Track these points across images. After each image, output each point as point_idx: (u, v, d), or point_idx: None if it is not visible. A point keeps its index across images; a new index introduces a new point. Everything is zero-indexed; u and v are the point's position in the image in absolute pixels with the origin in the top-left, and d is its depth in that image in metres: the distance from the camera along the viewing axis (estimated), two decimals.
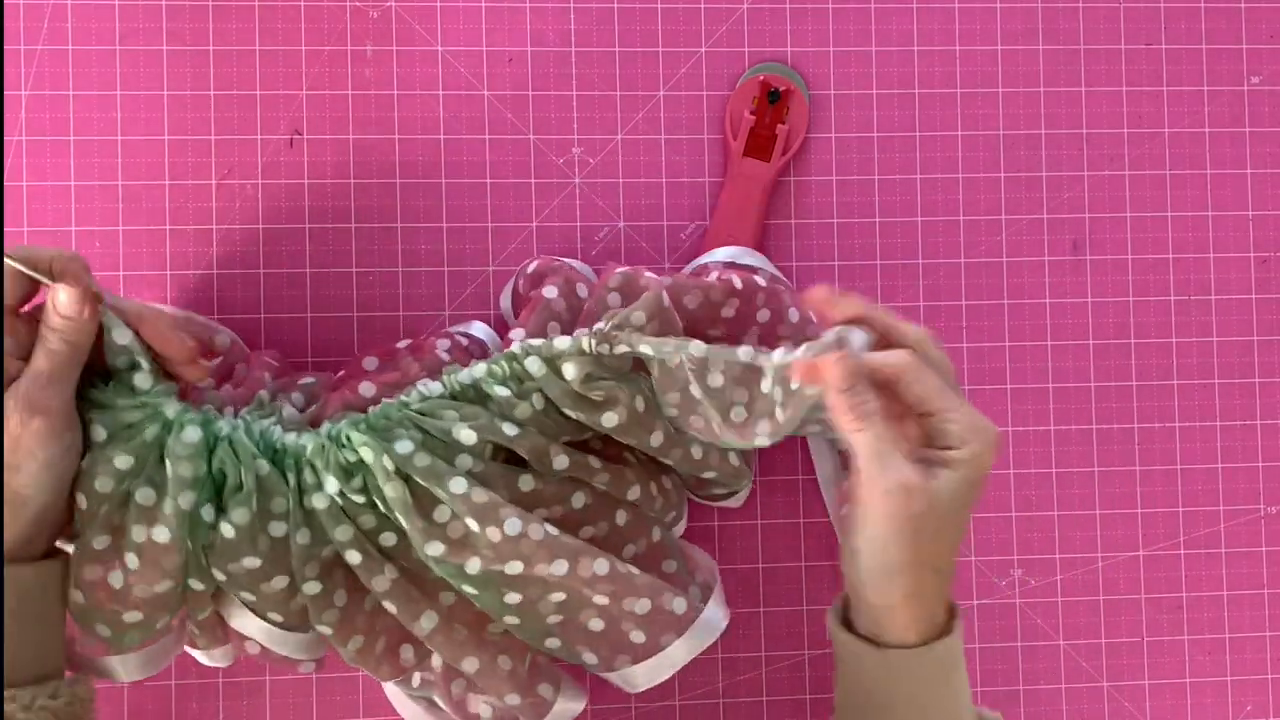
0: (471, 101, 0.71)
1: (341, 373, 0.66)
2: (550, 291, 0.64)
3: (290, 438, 0.60)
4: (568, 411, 0.61)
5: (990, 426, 0.55)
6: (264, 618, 0.61)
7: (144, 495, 0.57)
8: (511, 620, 0.61)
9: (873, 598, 0.56)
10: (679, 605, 0.63)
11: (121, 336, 0.57)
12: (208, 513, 0.58)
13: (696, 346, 0.58)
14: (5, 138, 0.68)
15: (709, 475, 0.65)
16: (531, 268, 0.67)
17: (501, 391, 0.60)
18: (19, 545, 0.55)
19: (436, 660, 0.64)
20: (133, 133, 0.69)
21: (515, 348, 0.61)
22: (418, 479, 0.58)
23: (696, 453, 0.64)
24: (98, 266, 0.68)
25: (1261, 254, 0.74)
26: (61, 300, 0.55)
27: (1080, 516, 0.73)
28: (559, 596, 0.61)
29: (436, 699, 0.66)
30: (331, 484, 0.58)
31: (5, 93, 0.68)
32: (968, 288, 0.73)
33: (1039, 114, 0.73)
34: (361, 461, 0.59)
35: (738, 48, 0.72)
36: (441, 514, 0.59)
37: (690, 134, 0.72)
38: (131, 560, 0.57)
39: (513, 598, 0.60)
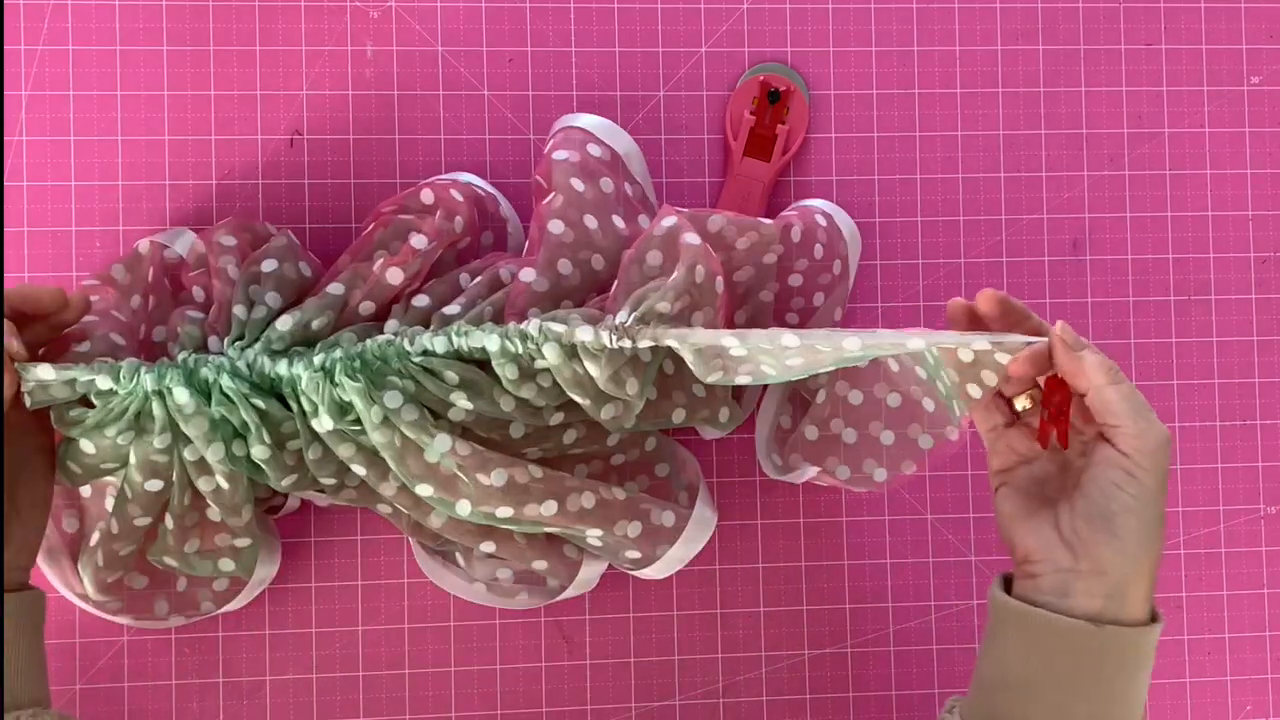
0: (471, 101, 0.71)
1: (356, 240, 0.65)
2: (557, 216, 0.62)
3: (283, 367, 0.59)
4: (575, 397, 0.60)
5: (1153, 418, 0.54)
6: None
7: (190, 451, 0.59)
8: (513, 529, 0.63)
9: (1123, 567, 0.52)
10: (668, 518, 0.65)
11: (45, 373, 0.57)
12: (239, 448, 0.60)
13: (729, 340, 0.56)
14: (5, 138, 0.68)
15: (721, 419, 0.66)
16: (553, 143, 0.66)
17: (510, 373, 0.59)
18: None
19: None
20: (133, 133, 0.69)
21: (532, 328, 0.58)
22: (404, 431, 0.59)
23: (723, 415, 0.66)
24: (98, 266, 0.68)
25: (1261, 254, 0.74)
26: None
27: None
28: (553, 528, 0.63)
29: (459, 557, 0.68)
30: (327, 421, 0.59)
31: (5, 93, 0.68)
32: (968, 288, 0.73)
33: (1039, 114, 0.73)
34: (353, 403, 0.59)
35: (738, 48, 0.72)
36: (431, 454, 0.59)
37: (690, 134, 0.72)
38: (212, 512, 0.61)
39: (507, 524, 0.62)
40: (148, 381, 0.58)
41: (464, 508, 0.60)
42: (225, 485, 0.60)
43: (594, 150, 0.65)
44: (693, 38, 0.72)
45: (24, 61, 0.68)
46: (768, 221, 0.65)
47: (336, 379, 0.58)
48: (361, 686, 0.69)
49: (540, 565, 0.65)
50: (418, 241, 0.62)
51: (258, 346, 0.60)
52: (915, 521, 0.72)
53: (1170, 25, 0.74)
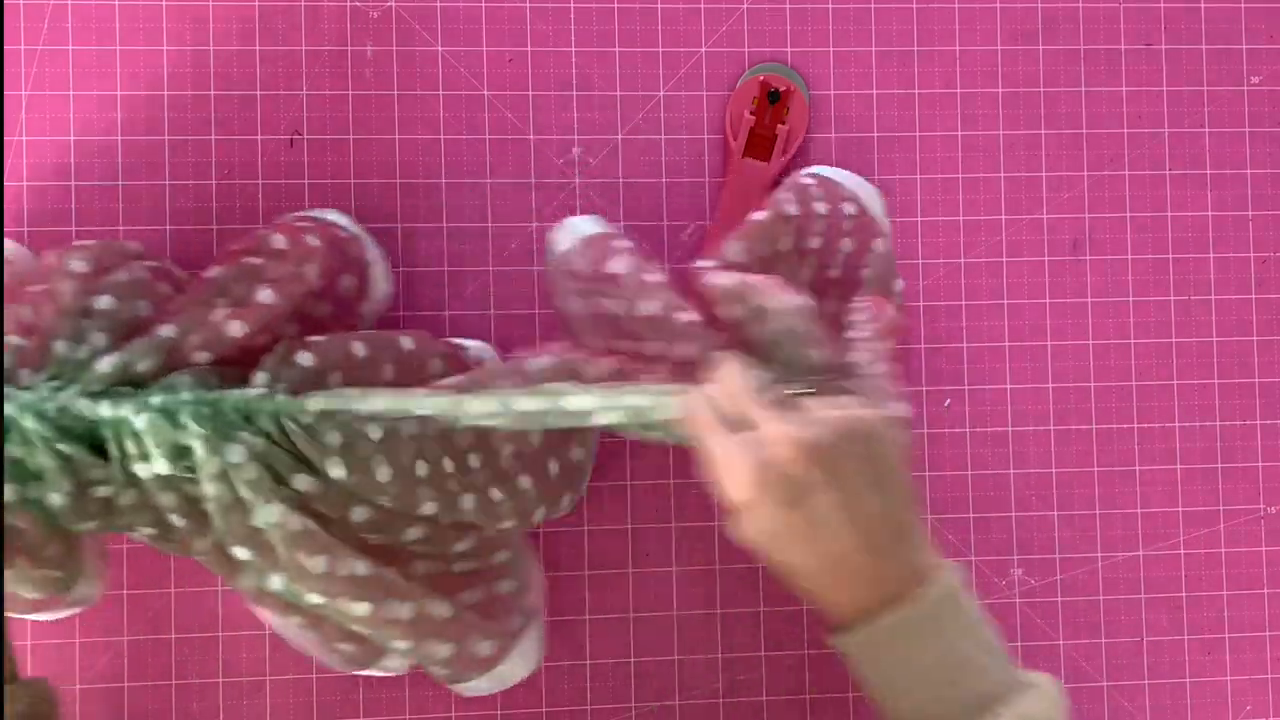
0: (471, 101, 0.71)
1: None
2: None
3: (105, 409, 0.56)
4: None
5: (781, 434, 0.54)
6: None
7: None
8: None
9: (815, 592, 0.56)
10: (485, 649, 0.62)
11: None
12: (35, 490, 0.56)
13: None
14: (5, 138, 0.68)
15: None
16: None
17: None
18: None
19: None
20: (133, 133, 0.69)
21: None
22: (240, 489, 0.56)
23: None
24: None
25: (1261, 254, 0.74)
26: None
27: (1080, 516, 0.73)
28: (359, 628, 0.60)
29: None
30: (161, 465, 0.56)
31: (5, 93, 0.68)
32: (968, 288, 0.73)
33: (1039, 114, 0.73)
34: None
35: (738, 48, 0.72)
36: (258, 518, 0.57)
37: (690, 134, 0.72)
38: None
39: (315, 610, 0.59)
40: None
41: (276, 582, 0.58)
42: (22, 526, 0.57)
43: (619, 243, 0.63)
44: (693, 38, 0.72)
45: (24, 61, 0.68)
46: (759, 216, 0.62)
47: (181, 421, 0.56)
48: (361, 686, 0.69)
49: (346, 649, 0.62)
50: (264, 296, 0.59)
51: (74, 388, 0.57)
52: None
53: (1170, 25, 0.74)
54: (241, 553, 0.57)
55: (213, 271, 0.61)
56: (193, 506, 0.58)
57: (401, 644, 0.60)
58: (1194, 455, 0.73)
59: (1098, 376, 0.73)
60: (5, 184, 0.68)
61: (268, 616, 0.61)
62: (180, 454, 0.56)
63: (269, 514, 0.56)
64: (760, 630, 0.71)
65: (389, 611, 0.58)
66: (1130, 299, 0.73)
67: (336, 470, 0.57)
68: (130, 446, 0.56)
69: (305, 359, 0.59)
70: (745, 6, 0.72)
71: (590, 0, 0.71)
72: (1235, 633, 0.73)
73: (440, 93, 0.70)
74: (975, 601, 0.56)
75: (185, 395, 0.57)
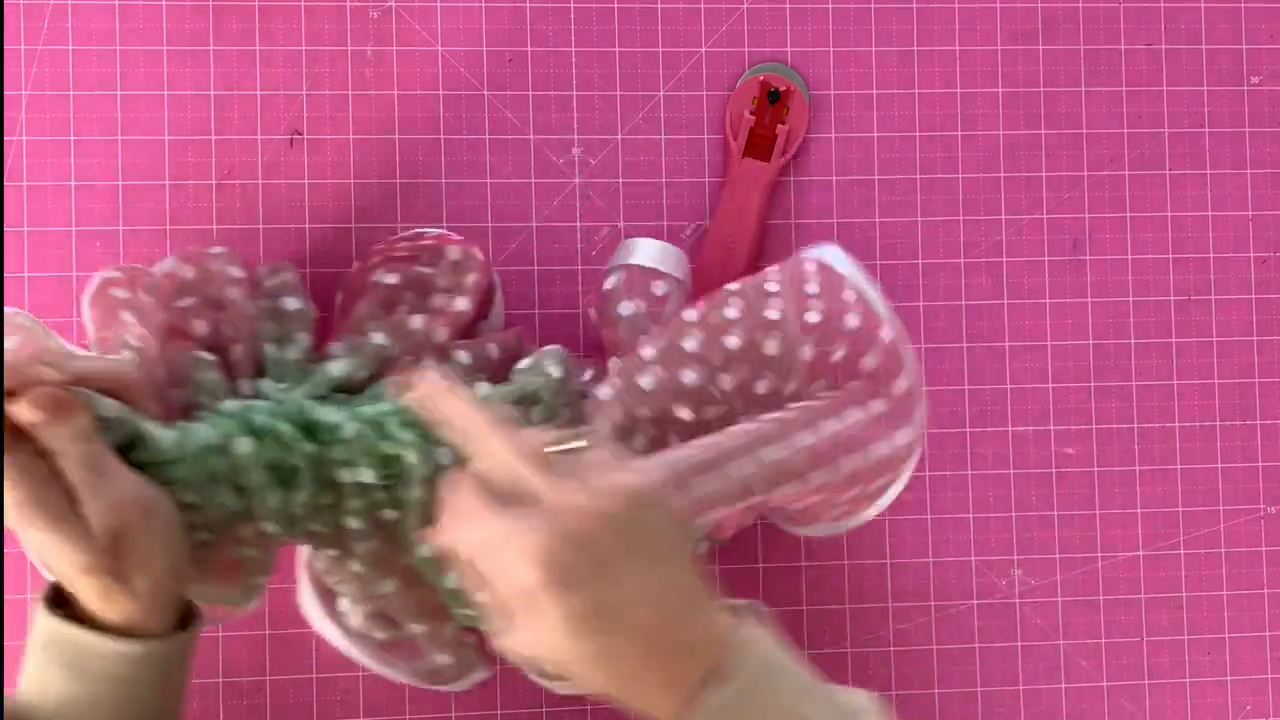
0: (471, 101, 0.71)
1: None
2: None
3: (331, 413, 0.57)
4: None
5: (524, 541, 0.46)
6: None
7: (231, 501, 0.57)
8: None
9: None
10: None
11: (106, 410, 0.53)
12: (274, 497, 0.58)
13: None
14: (5, 138, 0.68)
15: None
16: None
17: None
18: (145, 622, 0.52)
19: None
20: (133, 133, 0.69)
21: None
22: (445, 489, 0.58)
23: None
24: (98, 266, 0.68)
25: (1261, 254, 0.74)
26: (27, 416, 0.49)
27: (1080, 516, 0.73)
28: None
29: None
30: (367, 474, 0.57)
31: (5, 93, 0.68)
32: (968, 288, 0.73)
33: (1039, 114, 0.73)
34: (399, 457, 0.57)
35: (738, 48, 0.72)
36: None
37: (690, 134, 0.72)
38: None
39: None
40: (202, 432, 0.55)
41: (450, 581, 0.59)
42: (271, 530, 0.58)
43: (658, 289, 0.64)
44: (693, 38, 0.72)
45: (24, 61, 0.68)
46: (734, 287, 0.62)
47: (389, 431, 0.57)
48: (361, 686, 0.69)
49: (447, 660, 0.64)
50: (461, 304, 0.62)
51: (301, 390, 0.58)
52: (915, 521, 0.72)
53: (1170, 25, 0.74)
54: (426, 551, 0.58)
55: (387, 277, 0.62)
56: (372, 510, 0.59)
57: None
58: (1194, 455, 0.73)
59: (1098, 376, 0.73)
60: (5, 184, 0.68)
61: (348, 648, 0.63)
62: (385, 463, 0.58)
63: None
64: None
65: None
66: (1130, 299, 0.73)
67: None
68: (340, 452, 0.57)
69: (463, 357, 0.61)
70: (745, 6, 0.72)
71: (590, 0, 0.71)
72: (1235, 633, 0.73)
73: (440, 93, 0.70)
74: (783, 643, 0.51)
75: (384, 405, 0.58)
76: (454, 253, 0.64)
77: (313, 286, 0.69)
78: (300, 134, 0.70)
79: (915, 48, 0.73)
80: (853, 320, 0.61)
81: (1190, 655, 0.73)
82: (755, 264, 0.71)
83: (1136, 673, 0.73)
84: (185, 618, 0.55)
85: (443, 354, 0.62)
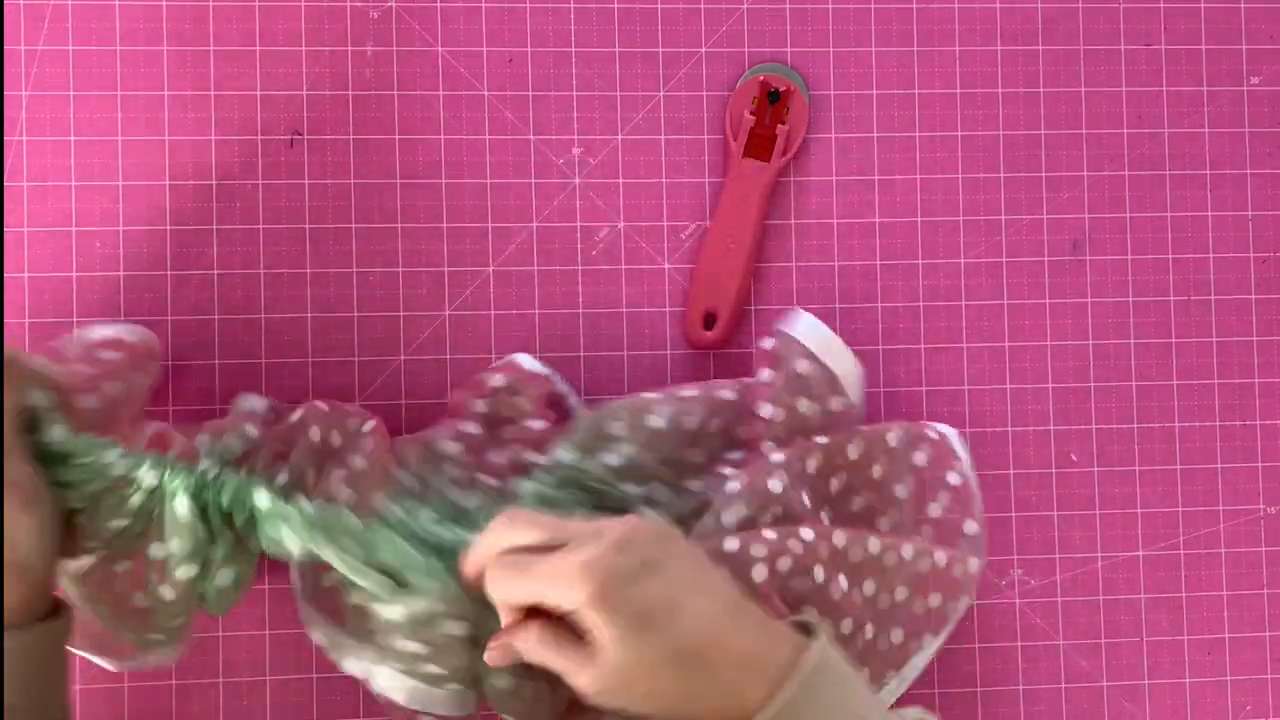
0: (471, 101, 0.71)
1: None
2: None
3: (445, 532, 0.60)
4: None
5: (570, 567, 0.49)
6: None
7: (156, 549, 0.59)
8: None
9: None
10: None
11: (36, 399, 0.57)
12: (224, 577, 0.60)
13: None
14: (5, 138, 0.68)
15: None
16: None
17: None
18: (19, 612, 0.54)
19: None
20: (133, 133, 0.69)
21: None
22: None
23: None
24: (97, 267, 0.68)
25: (1261, 254, 0.74)
26: None
27: (1080, 516, 0.73)
28: None
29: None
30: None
31: (5, 93, 0.68)
32: (968, 288, 0.73)
33: (1039, 114, 0.73)
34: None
35: (738, 48, 0.72)
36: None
37: (690, 134, 0.72)
38: (146, 598, 0.60)
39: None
40: (150, 473, 0.58)
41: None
42: (168, 597, 0.59)
43: (802, 368, 0.65)
44: (693, 38, 0.72)
45: (24, 61, 0.68)
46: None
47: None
48: (361, 687, 0.69)
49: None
50: (535, 424, 0.65)
51: (415, 510, 0.62)
52: None
53: (1170, 25, 0.74)
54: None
55: (468, 427, 0.65)
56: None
57: None
58: (1194, 455, 0.73)
59: (1098, 376, 0.73)
60: (5, 184, 0.68)
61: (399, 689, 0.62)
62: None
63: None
64: None
65: None
66: (1130, 299, 0.73)
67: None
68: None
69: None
70: (745, 6, 0.72)
71: (590, 0, 0.71)
72: (1235, 633, 0.73)
73: (440, 93, 0.70)
74: (842, 652, 0.53)
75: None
76: (499, 380, 0.66)
77: (312, 287, 0.69)
78: (300, 134, 0.70)
79: (915, 48, 0.73)
80: (954, 479, 0.67)
81: (1190, 655, 0.73)
82: (755, 264, 0.71)
83: (1136, 673, 0.73)
84: (57, 608, 0.56)
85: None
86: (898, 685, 0.65)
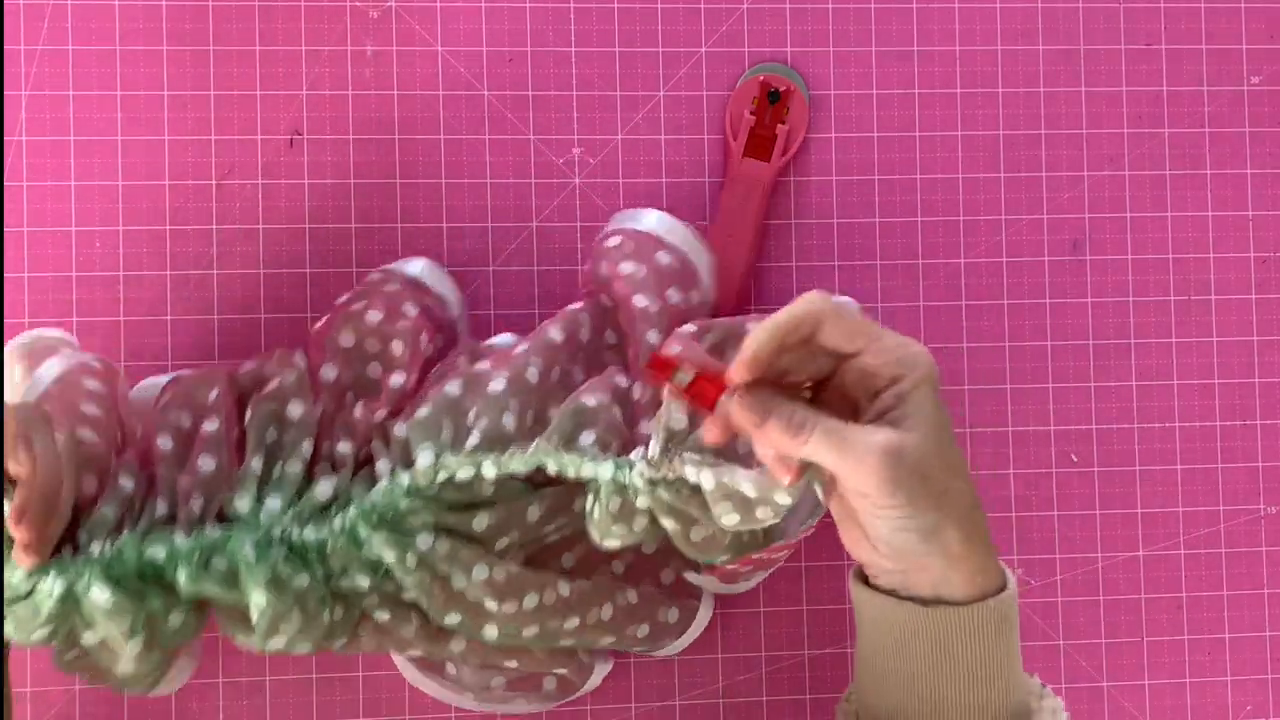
0: (471, 101, 0.71)
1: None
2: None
3: (310, 533, 0.58)
4: (669, 524, 0.58)
5: (917, 348, 0.51)
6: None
7: (89, 638, 0.57)
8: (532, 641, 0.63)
9: (934, 564, 0.51)
10: (673, 615, 0.66)
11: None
12: (173, 620, 0.58)
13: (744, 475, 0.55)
14: (5, 138, 0.68)
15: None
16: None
17: (613, 505, 0.58)
18: None
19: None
20: (133, 133, 0.69)
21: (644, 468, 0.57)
22: (438, 567, 0.58)
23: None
24: (98, 266, 0.68)
25: (1261, 254, 0.74)
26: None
27: (1080, 516, 0.73)
28: (570, 638, 0.63)
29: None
30: (363, 580, 0.58)
31: (5, 93, 0.68)
32: (968, 288, 0.73)
33: (1039, 114, 0.73)
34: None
35: (738, 48, 0.72)
36: (458, 582, 0.59)
37: (690, 134, 0.72)
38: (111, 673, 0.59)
39: (531, 643, 0.62)
40: (57, 583, 0.55)
41: (491, 632, 0.60)
42: (127, 670, 0.58)
43: (663, 259, 0.63)
44: (693, 38, 0.72)
45: (24, 61, 0.68)
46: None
47: (362, 538, 0.57)
48: (361, 686, 0.69)
49: (561, 672, 0.65)
50: (396, 381, 0.61)
51: (290, 514, 0.58)
52: None
53: (1170, 25, 0.74)
54: (452, 618, 0.59)
55: (328, 373, 0.62)
56: (394, 600, 0.59)
57: (607, 639, 0.63)
58: (1194, 455, 0.73)
59: (1098, 376, 0.73)
60: (5, 184, 0.68)
61: (441, 691, 0.65)
62: (374, 568, 0.58)
63: (479, 573, 0.58)
64: (760, 630, 0.71)
65: (594, 615, 0.62)
66: (1130, 299, 0.73)
67: (483, 516, 0.59)
68: (335, 564, 0.58)
69: (400, 430, 0.60)
70: (745, 6, 0.72)
71: (590, 0, 0.71)
72: (1235, 633, 0.73)
73: (440, 93, 0.70)
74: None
75: (350, 511, 0.58)
76: (374, 317, 0.62)
77: (312, 287, 0.69)
78: (300, 134, 0.70)
79: (915, 48, 0.73)
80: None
81: (1190, 655, 0.73)
82: (755, 264, 0.71)
83: (1137, 673, 0.73)
84: None
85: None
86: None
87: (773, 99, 0.70)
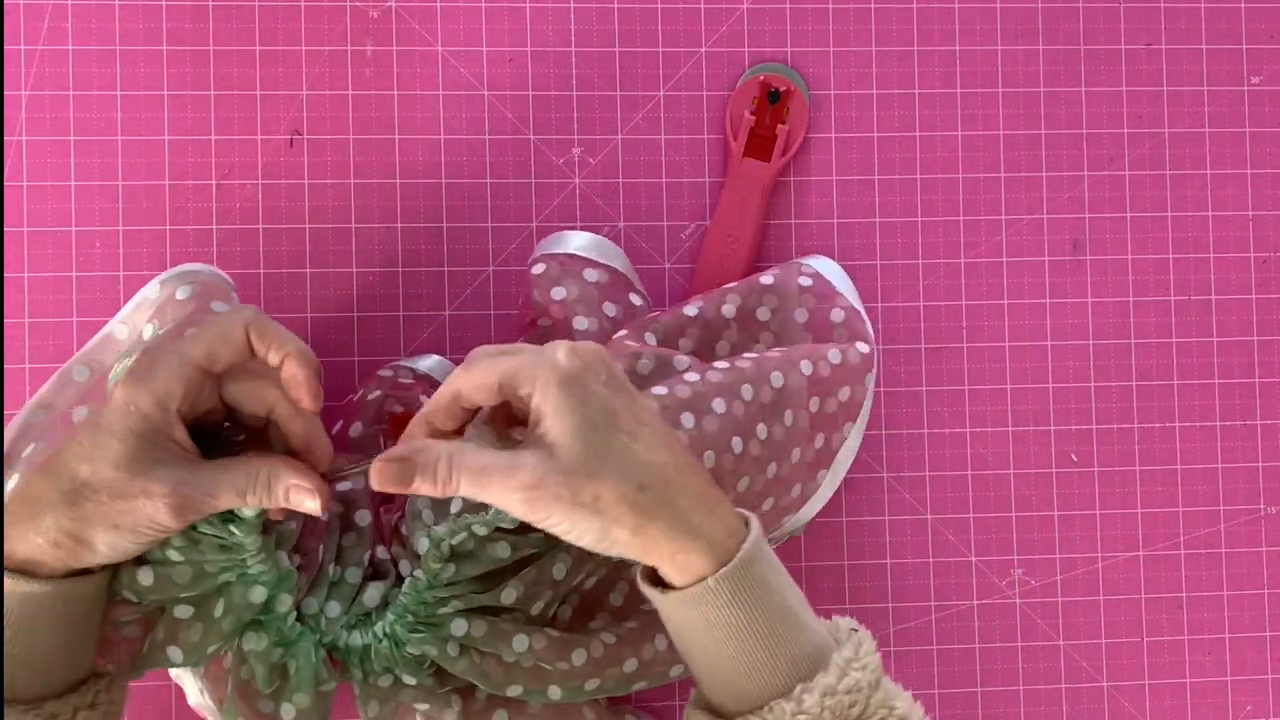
0: (471, 101, 0.71)
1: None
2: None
3: (356, 639, 0.59)
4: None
5: (546, 352, 0.50)
6: None
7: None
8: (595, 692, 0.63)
9: (635, 550, 0.50)
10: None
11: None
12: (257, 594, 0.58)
13: None
14: (5, 138, 0.68)
15: None
16: None
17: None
18: (57, 564, 0.51)
19: None
20: (133, 133, 0.69)
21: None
22: (481, 648, 0.59)
23: None
24: (98, 267, 0.68)
25: (1261, 254, 0.74)
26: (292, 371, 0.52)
27: (1080, 516, 0.73)
28: (636, 680, 0.63)
29: None
30: (409, 680, 0.59)
31: (5, 93, 0.68)
32: (968, 288, 0.73)
33: (1039, 114, 0.73)
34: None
35: (738, 48, 0.72)
36: (508, 656, 0.59)
37: (690, 134, 0.72)
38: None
39: (598, 693, 0.62)
40: (250, 640, 0.58)
41: (555, 693, 0.60)
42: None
43: (591, 275, 0.65)
44: (693, 38, 0.72)
45: (24, 61, 0.68)
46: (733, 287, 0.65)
47: (402, 639, 0.59)
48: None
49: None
50: None
51: (340, 617, 0.60)
52: (915, 521, 0.72)
53: (1170, 25, 0.74)
54: (515, 690, 0.59)
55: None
56: (441, 687, 0.60)
57: (675, 670, 0.63)
58: (1194, 455, 0.73)
59: (1098, 376, 0.73)
60: (5, 184, 0.68)
61: None
62: (419, 663, 0.59)
63: (519, 645, 0.58)
64: None
65: (649, 650, 0.61)
66: (1130, 299, 0.73)
67: (510, 589, 0.59)
68: (376, 665, 0.60)
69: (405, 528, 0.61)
70: (745, 6, 0.72)
71: (590, 0, 0.71)
72: (1235, 633, 0.73)
73: (440, 93, 0.70)
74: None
75: (389, 616, 0.59)
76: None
77: (313, 287, 0.69)
78: (300, 134, 0.70)
79: (915, 48, 0.73)
80: (837, 315, 0.66)
81: (1190, 655, 0.73)
82: (755, 264, 0.71)
83: (1137, 673, 0.73)
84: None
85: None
86: (831, 479, 0.66)
87: (773, 99, 0.70)
